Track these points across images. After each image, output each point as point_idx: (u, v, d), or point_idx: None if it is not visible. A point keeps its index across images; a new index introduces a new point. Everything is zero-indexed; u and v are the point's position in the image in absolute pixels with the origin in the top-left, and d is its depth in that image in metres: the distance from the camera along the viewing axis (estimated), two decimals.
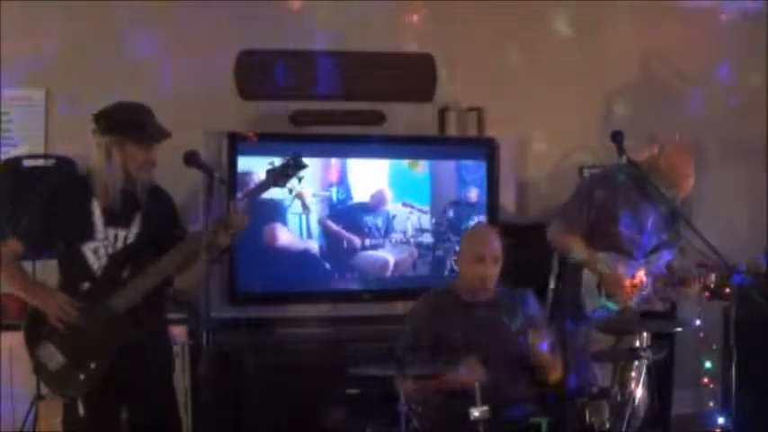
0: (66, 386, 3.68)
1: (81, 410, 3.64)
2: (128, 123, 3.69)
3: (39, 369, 3.71)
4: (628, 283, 4.47)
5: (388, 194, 5.52)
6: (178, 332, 4.80)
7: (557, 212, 4.67)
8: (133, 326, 3.69)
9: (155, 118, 3.77)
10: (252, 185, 4.24)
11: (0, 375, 4.73)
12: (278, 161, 3.82)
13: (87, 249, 3.70)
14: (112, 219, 3.72)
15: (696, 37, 6.27)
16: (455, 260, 4.23)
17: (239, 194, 4.13)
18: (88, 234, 3.70)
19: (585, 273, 4.51)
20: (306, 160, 3.85)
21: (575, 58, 6.08)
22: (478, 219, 5.57)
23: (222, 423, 4.65)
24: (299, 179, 3.84)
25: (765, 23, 6.25)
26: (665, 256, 4.60)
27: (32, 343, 3.71)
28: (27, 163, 5.07)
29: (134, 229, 3.75)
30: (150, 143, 3.73)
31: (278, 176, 3.79)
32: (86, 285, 3.71)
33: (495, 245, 4.09)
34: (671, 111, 6.22)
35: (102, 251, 3.71)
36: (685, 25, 6.27)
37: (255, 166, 5.23)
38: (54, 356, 3.67)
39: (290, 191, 3.87)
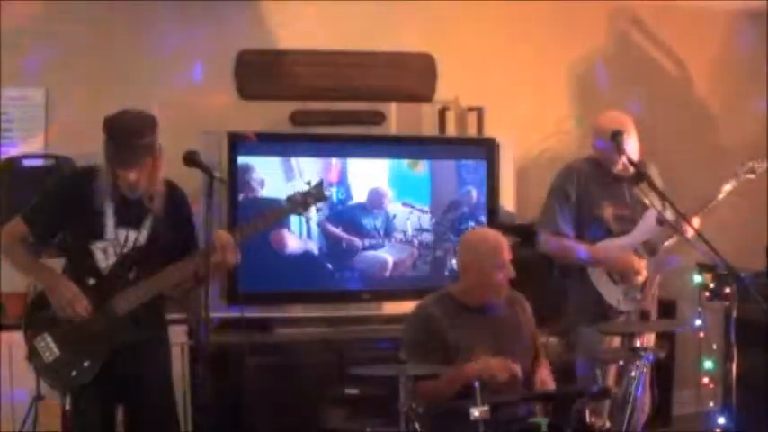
0: (57, 379, 3.68)
1: (68, 405, 3.63)
2: (110, 140, 3.62)
3: (33, 357, 3.71)
4: (635, 257, 4.48)
5: (387, 193, 5.51)
6: (178, 332, 4.81)
7: (539, 223, 4.68)
8: (132, 328, 3.69)
9: (138, 140, 3.61)
10: (269, 211, 4.14)
11: (0, 375, 4.73)
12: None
13: (96, 248, 3.70)
14: (124, 219, 3.71)
15: (695, 35, 6.28)
16: (464, 268, 4.11)
17: (254, 221, 4.06)
18: (98, 233, 3.69)
19: (590, 270, 4.52)
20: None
21: (575, 58, 6.08)
22: (473, 222, 5.57)
23: (222, 423, 4.65)
24: (318, 210, 3.83)
25: (765, 22, 6.26)
26: (652, 214, 4.59)
27: (31, 331, 3.70)
28: (27, 163, 5.07)
29: (144, 231, 3.74)
30: (116, 166, 3.62)
31: (298, 205, 3.79)
32: (91, 282, 3.70)
33: (507, 246, 4.08)
34: (671, 111, 6.22)
35: (111, 251, 3.71)
36: (684, 25, 6.27)
37: (255, 167, 5.24)
38: (50, 348, 3.66)
39: (308, 220, 3.87)
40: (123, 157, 3.61)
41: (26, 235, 3.74)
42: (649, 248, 4.54)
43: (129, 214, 3.72)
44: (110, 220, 3.70)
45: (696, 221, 4.42)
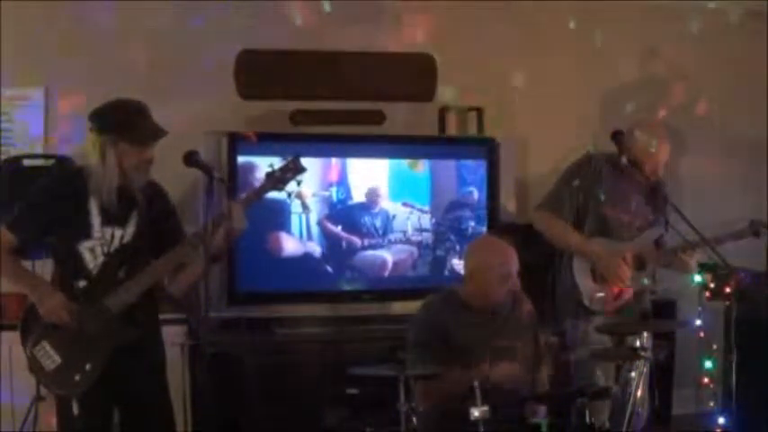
0: (61, 386, 3.67)
1: (75, 410, 3.62)
2: (121, 123, 3.65)
3: (34, 368, 3.70)
4: (623, 264, 4.47)
5: (384, 191, 5.50)
6: (178, 332, 4.81)
7: (542, 200, 4.67)
8: (129, 326, 3.68)
9: (150, 117, 3.72)
10: (251, 188, 4.18)
11: (0, 375, 4.72)
12: (277, 162, 3.78)
13: (84, 248, 3.69)
14: (109, 217, 3.70)
15: (697, 35, 6.28)
16: (468, 273, 4.11)
17: (239, 197, 4.08)
18: (85, 233, 3.68)
19: (576, 261, 4.52)
20: (306, 160, 3.83)
21: (575, 58, 6.08)
22: (473, 222, 5.57)
23: (222, 423, 4.65)
24: (299, 183, 3.81)
25: (765, 21, 6.25)
26: (653, 233, 4.60)
27: (28, 341, 3.69)
28: (27, 163, 5.06)
29: (130, 228, 3.73)
30: (144, 143, 3.69)
31: (277, 180, 3.76)
32: (82, 284, 3.69)
33: (516, 258, 4.07)
34: (671, 110, 6.22)
35: (98, 250, 3.70)
36: (686, 24, 6.27)
37: (256, 167, 5.24)
38: (50, 356, 3.65)
39: (289, 195, 3.84)
40: (146, 132, 3.66)
41: (12, 244, 3.72)
42: (638, 263, 4.53)
43: (115, 212, 3.71)
44: (95, 219, 3.69)
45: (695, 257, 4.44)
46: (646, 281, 4.52)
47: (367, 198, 5.49)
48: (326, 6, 5.69)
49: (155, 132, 3.70)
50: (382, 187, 5.50)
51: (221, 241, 3.64)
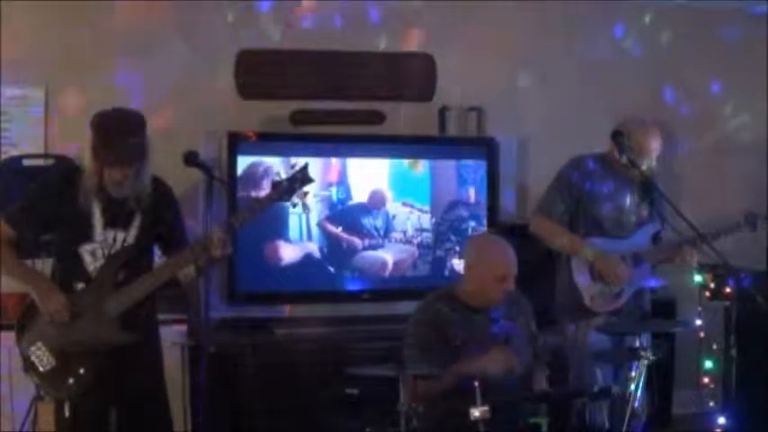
0: (55, 388, 3.66)
1: (67, 412, 3.61)
2: (99, 137, 3.57)
3: (29, 369, 3.69)
4: (621, 264, 4.48)
5: (387, 194, 5.51)
6: (178, 332, 4.80)
7: (536, 206, 4.70)
8: (126, 330, 3.67)
9: (133, 137, 3.59)
10: (255, 199, 4.12)
11: (0, 375, 4.72)
12: (282, 168, 3.74)
13: (85, 251, 3.68)
14: (112, 219, 3.68)
15: (697, 36, 6.28)
16: (466, 270, 4.11)
17: (241, 210, 4.03)
18: (87, 235, 3.67)
19: (574, 261, 4.52)
20: (306, 160, 3.82)
21: (575, 58, 6.08)
22: (473, 222, 5.58)
23: (221, 423, 4.66)
24: (305, 193, 3.77)
25: (765, 23, 6.25)
26: (649, 230, 4.61)
27: (24, 342, 3.68)
28: (27, 162, 5.06)
29: (133, 231, 3.71)
30: (112, 165, 3.58)
31: (284, 192, 3.72)
32: (80, 286, 3.68)
33: (515, 259, 4.07)
34: (671, 109, 6.22)
35: (99, 253, 3.68)
36: (686, 25, 6.27)
37: (256, 166, 5.24)
38: (45, 358, 3.64)
39: (294, 205, 3.81)
40: (111, 155, 3.57)
41: (12, 237, 3.70)
42: (636, 260, 4.54)
43: (118, 215, 3.68)
44: (98, 222, 3.67)
45: (694, 254, 4.45)
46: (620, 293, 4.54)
47: (370, 201, 5.49)
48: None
49: (115, 157, 3.58)
50: (384, 189, 5.51)
51: (203, 263, 3.63)
